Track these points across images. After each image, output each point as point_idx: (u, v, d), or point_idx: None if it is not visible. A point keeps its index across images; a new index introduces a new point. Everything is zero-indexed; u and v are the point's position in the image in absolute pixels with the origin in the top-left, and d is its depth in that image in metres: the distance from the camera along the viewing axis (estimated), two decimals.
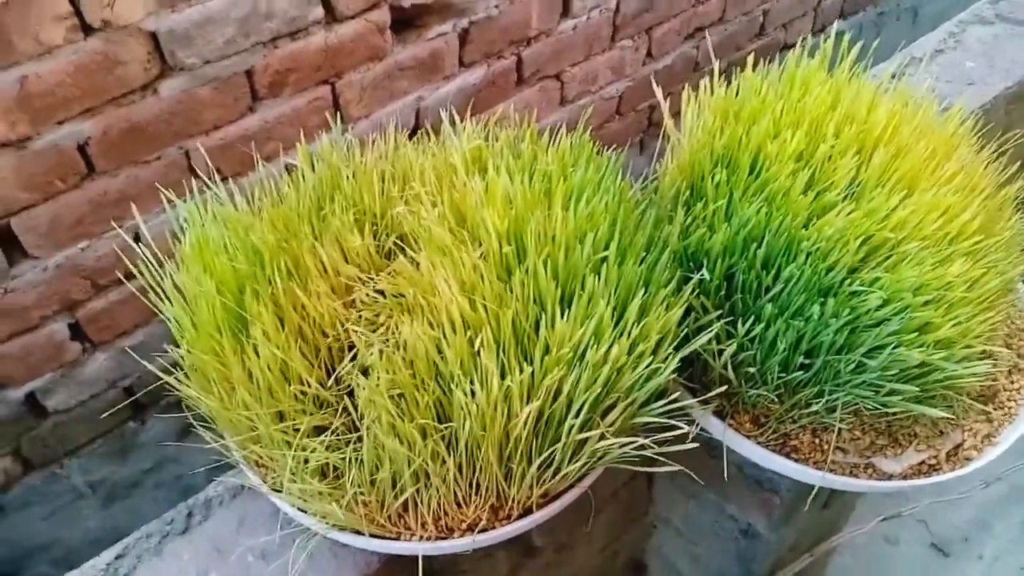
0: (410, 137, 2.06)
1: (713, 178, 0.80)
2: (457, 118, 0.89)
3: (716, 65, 0.92)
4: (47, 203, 1.51)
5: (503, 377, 0.71)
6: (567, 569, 1.22)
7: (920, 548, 1.89)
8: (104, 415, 1.75)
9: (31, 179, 1.47)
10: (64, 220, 1.54)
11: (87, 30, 1.41)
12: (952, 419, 0.89)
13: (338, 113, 1.85)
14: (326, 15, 1.69)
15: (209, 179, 1.73)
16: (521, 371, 0.71)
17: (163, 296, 0.81)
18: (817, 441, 0.88)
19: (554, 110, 2.35)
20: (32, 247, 1.53)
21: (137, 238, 1.57)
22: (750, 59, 0.93)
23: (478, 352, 0.70)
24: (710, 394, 0.78)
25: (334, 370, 0.78)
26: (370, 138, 0.90)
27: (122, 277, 1.57)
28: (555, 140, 0.90)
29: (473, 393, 0.69)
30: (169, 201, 0.88)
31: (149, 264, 0.82)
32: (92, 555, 1.85)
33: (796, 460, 0.87)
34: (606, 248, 0.75)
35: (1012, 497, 1.96)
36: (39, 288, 1.57)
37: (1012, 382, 0.95)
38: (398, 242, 0.82)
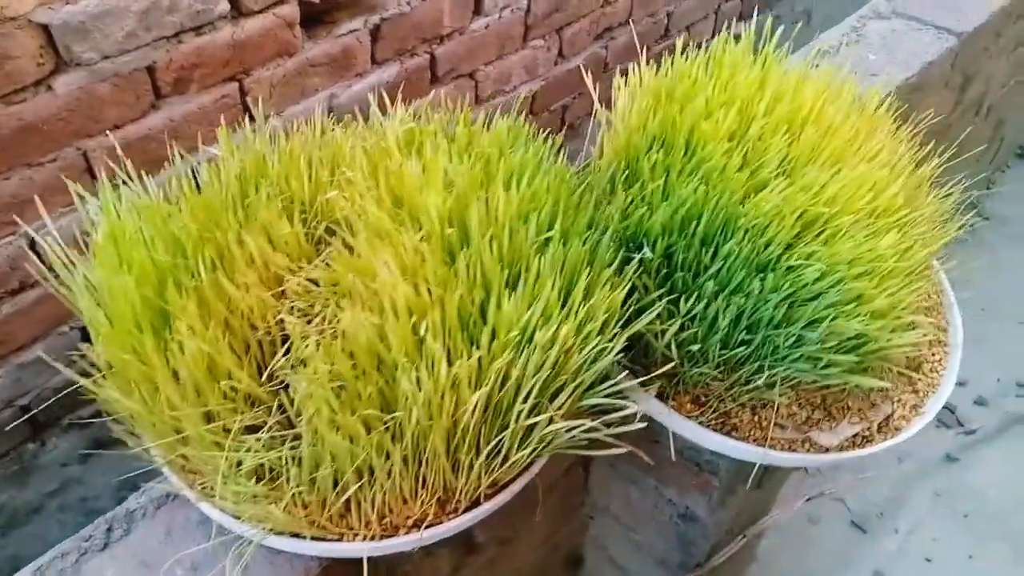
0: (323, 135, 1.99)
1: (649, 159, 0.80)
2: (388, 103, 0.86)
3: (638, 63, 0.93)
4: None
5: (450, 363, 0.68)
6: (508, 565, 1.20)
7: (840, 526, 1.96)
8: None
9: None
10: None
11: None
12: (884, 390, 0.92)
13: (246, 111, 1.77)
14: (232, 9, 1.62)
15: (110, 181, 1.63)
16: (469, 356, 0.68)
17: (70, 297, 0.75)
18: (756, 418, 0.89)
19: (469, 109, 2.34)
20: None
21: (33, 245, 1.46)
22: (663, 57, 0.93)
23: (423, 338, 0.67)
24: (653, 374, 0.78)
25: (266, 365, 0.73)
26: (294, 125, 0.86)
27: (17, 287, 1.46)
28: (487, 127, 0.89)
29: (419, 381, 0.67)
30: (80, 196, 0.81)
31: (57, 262, 0.75)
32: None
33: (737, 438, 0.88)
34: (550, 228, 0.73)
35: (922, 471, 2.06)
36: None
37: (933, 354, 0.99)
38: (330, 229, 0.78)
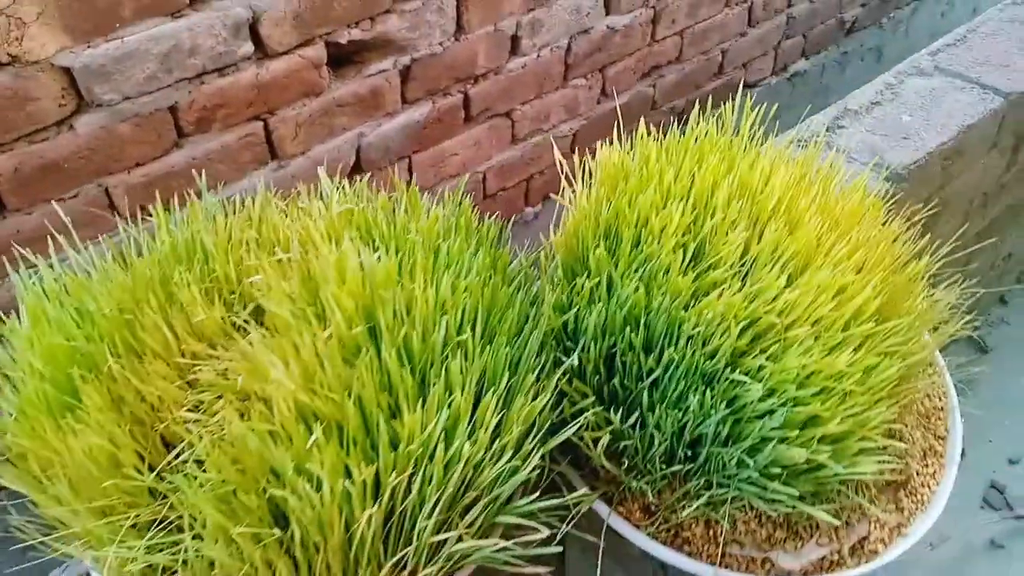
0: (350, 176, 1.99)
1: (596, 252, 0.74)
2: (332, 180, 0.82)
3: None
4: None
5: (349, 475, 0.64)
6: None
7: None
8: None
9: None
10: None
11: None
12: (860, 507, 0.83)
13: (271, 149, 1.79)
14: (256, 51, 1.63)
15: (132, 217, 1.66)
16: (367, 466, 0.64)
17: None
18: (711, 533, 0.81)
19: (505, 148, 2.31)
20: None
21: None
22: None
23: (318, 448, 0.63)
24: (576, 494, 0.72)
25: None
26: (235, 201, 0.84)
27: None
28: (440, 202, 0.84)
29: (308, 495, 0.62)
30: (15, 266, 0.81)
31: None
32: None
33: (688, 553, 0.81)
34: (473, 327, 0.68)
35: (961, 559, 1.90)
36: None
37: (926, 466, 0.89)
38: (256, 316, 0.75)
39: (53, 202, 1.46)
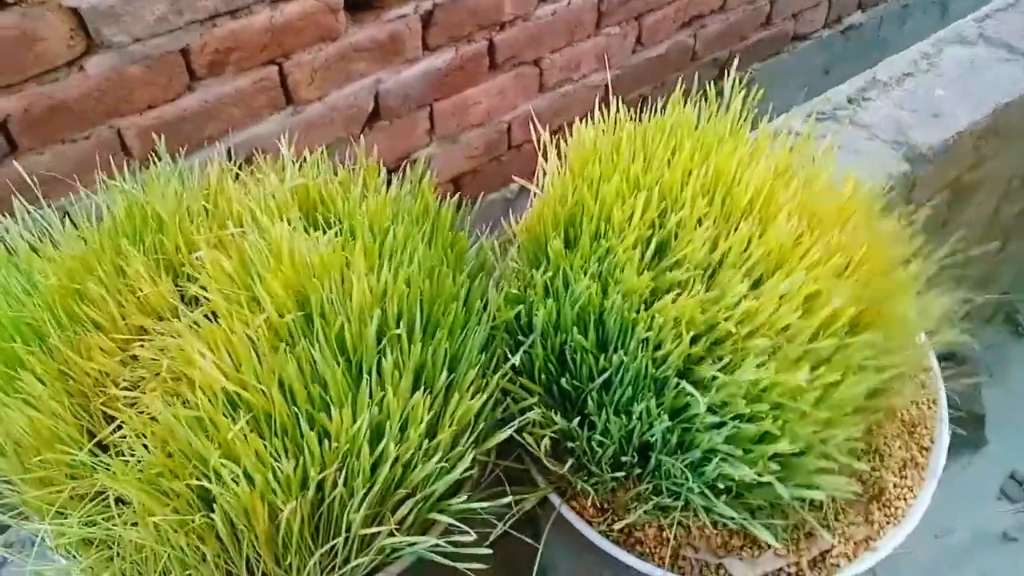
0: (368, 123, 1.96)
1: (553, 244, 0.70)
2: (291, 151, 0.79)
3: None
4: None
5: (275, 464, 0.63)
6: None
7: None
8: None
9: None
10: None
11: (1, 5, 1.33)
12: (824, 517, 0.79)
13: (286, 94, 1.76)
14: None
15: (143, 159, 1.66)
16: (294, 458, 0.63)
17: None
18: (663, 535, 0.79)
19: (532, 97, 2.24)
20: None
21: (68, 217, 1.52)
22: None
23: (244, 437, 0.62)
24: (524, 499, 0.69)
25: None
26: (194, 171, 0.81)
27: None
28: (403, 180, 0.81)
29: (232, 484, 0.62)
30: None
31: None
32: None
33: (640, 554, 0.78)
34: (412, 321, 0.66)
35: (970, 548, 1.85)
36: None
37: (904, 478, 0.84)
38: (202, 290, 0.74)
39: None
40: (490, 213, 2.26)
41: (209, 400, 0.62)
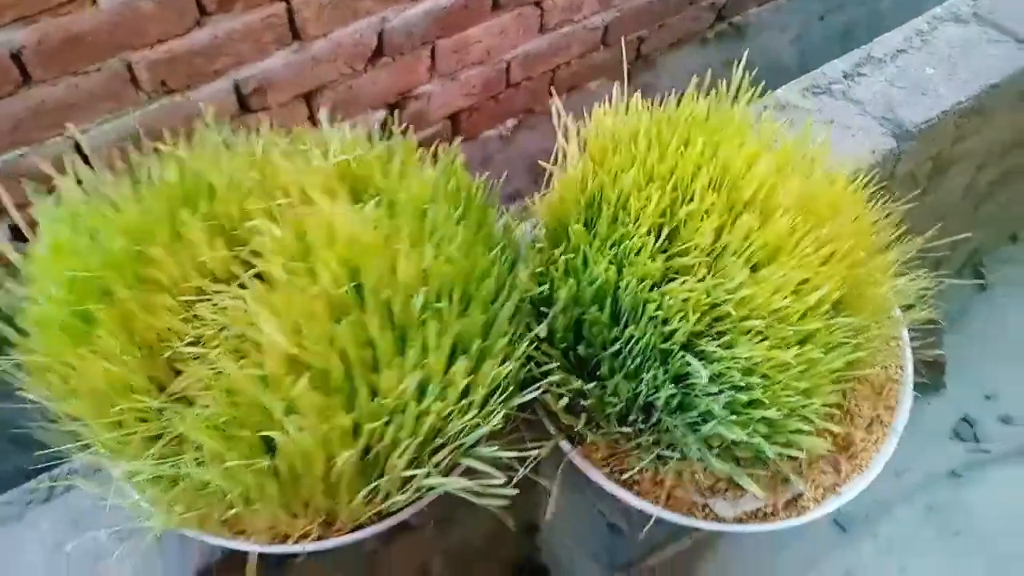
0: (371, 59, 1.98)
1: (575, 227, 0.78)
2: (346, 130, 0.85)
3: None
4: None
5: (329, 419, 0.72)
6: (454, 535, 1.28)
7: (822, 522, 1.95)
8: None
9: None
10: (1, 126, 1.53)
11: None
12: (798, 465, 0.91)
13: (293, 30, 1.78)
14: None
15: (153, 92, 1.68)
16: (347, 414, 0.72)
17: None
18: (658, 478, 0.90)
19: (532, 37, 2.26)
20: None
21: (78, 148, 1.56)
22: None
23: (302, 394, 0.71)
24: (540, 448, 0.80)
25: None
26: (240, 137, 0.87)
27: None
28: (434, 154, 0.88)
29: (294, 434, 0.71)
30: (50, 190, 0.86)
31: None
32: None
33: (637, 493, 0.90)
34: (451, 295, 0.75)
35: (921, 484, 2.02)
36: None
37: (871, 433, 0.96)
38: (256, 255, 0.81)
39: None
40: (487, 148, 2.32)
41: (273, 360, 0.70)
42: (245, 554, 0.91)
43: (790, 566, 1.88)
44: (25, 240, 1.28)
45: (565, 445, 0.91)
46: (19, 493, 0.90)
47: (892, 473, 1.97)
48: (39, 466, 0.92)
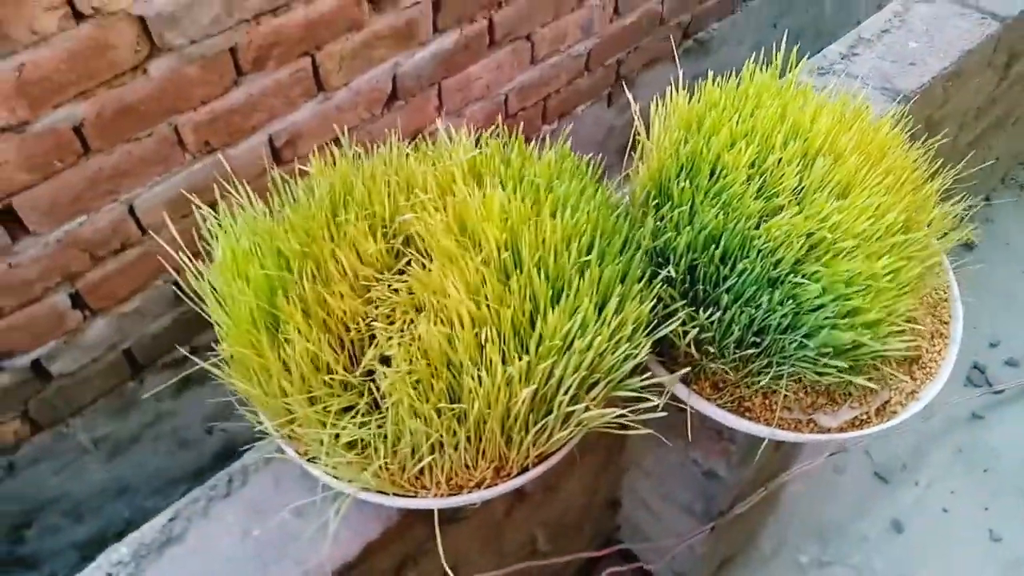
0: (387, 104, 2.12)
1: (679, 184, 0.93)
2: (452, 132, 0.99)
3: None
4: (46, 182, 1.58)
5: (505, 365, 0.84)
6: (555, 506, 1.39)
7: (864, 476, 2.10)
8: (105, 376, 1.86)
9: (31, 160, 1.53)
10: (63, 197, 1.62)
11: (78, 17, 1.46)
12: (883, 378, 1.05)
13: (318, 82, 1.92)
14: None
15: (197, 152, 1.80)
16: (520, 359, 0.84)
17: (196, 296, 0.92)
18: (767, 402, 1.03)
19: (524, 69, 2.43)
20: (33, 224, 1.60)
21: (132, 210, 1.66)
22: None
23: (483, 345, 0.83)
24: (676, 374, 0.93)
25: (357, 360, 0.90)
26: (373, 148, 1.00)
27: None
28: (540, 147, 1.02)
29: (480, 379, 0.83)
30: (198, 207, 0.98)
31: (188, 272, 0.93)
32: (99, 505, 1.97)
33: (749, 419, 1.03)
34: (589, 252, 0.88)
35: (947, 428, 2.18)
36: (41, 262, 1.65)
37: (934, 345, 1.11)
38: (407, 241, 0.94)
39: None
40: None
41: (458, 321, 0.83)
42: (414, 520, 1.01)
43: (840, 518, 2.01)
44: (87, 307, 1.38)
45: (680, 388, 1.03)
46: (202, 491, 0.99)
47: (918, 419, 2.13)
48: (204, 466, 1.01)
